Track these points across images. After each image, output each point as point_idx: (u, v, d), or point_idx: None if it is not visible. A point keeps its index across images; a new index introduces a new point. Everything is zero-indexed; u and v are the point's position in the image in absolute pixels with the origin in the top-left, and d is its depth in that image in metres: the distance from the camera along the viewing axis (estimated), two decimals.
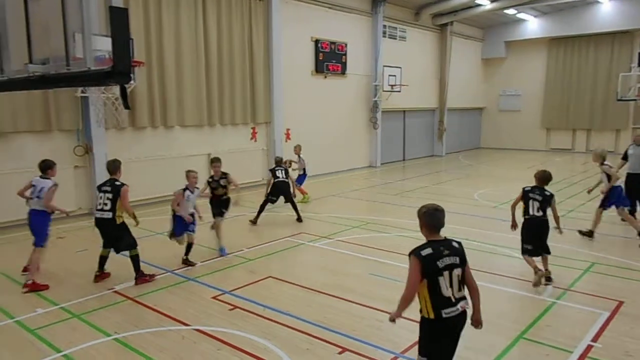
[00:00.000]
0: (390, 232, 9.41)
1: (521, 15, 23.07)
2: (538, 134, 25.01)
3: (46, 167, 6.61)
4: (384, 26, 18.94)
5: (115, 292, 6.37)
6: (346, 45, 17.27)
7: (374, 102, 18.83)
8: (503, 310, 5.80)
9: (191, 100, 12.75)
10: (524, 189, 6.69)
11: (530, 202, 6.52)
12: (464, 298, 3.43)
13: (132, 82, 9.83)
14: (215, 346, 4.91)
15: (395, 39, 19.98)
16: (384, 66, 18.66)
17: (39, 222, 6.54)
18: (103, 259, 6.71)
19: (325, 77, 16.78)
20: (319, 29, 16.41)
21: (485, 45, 25.74)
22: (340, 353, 4.74)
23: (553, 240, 6.76)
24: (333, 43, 16.80)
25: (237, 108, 13.97)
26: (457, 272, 3.36)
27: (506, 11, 21.71)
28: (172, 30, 12.20)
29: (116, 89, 10.67)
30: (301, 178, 12.32)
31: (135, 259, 6.59)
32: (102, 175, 10.98)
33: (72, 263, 7.47)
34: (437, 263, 3.28)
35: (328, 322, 5.38)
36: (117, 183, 6.48)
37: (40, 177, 6.57)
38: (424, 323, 3.41)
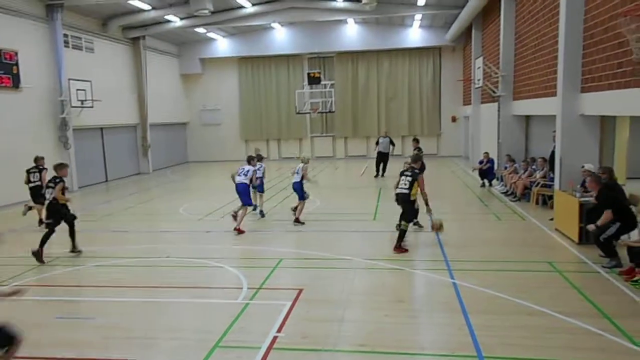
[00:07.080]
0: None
1: (211, 35, 24.50)
2: (238, 145, 26.92)
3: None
4: (66, 35, 17.11)
5: None
6: (17, 54, 14.78)
7: (61, 120, 16.74)
8: (198, 323, 5.89)
9: None
10: None
11: None
12: None
13: None
14: None
15: (82, 49, 18.31)
16: (70, 79, 16.82)
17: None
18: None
19: None
20: None
21: (182, 61, 26.25)
22: None
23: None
24: None
25: None
26: None
27: (197, 29, 22.67)
28: None
29: None
30: None
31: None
32: None
33: None
34: None
35: None
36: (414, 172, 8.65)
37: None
38: None
